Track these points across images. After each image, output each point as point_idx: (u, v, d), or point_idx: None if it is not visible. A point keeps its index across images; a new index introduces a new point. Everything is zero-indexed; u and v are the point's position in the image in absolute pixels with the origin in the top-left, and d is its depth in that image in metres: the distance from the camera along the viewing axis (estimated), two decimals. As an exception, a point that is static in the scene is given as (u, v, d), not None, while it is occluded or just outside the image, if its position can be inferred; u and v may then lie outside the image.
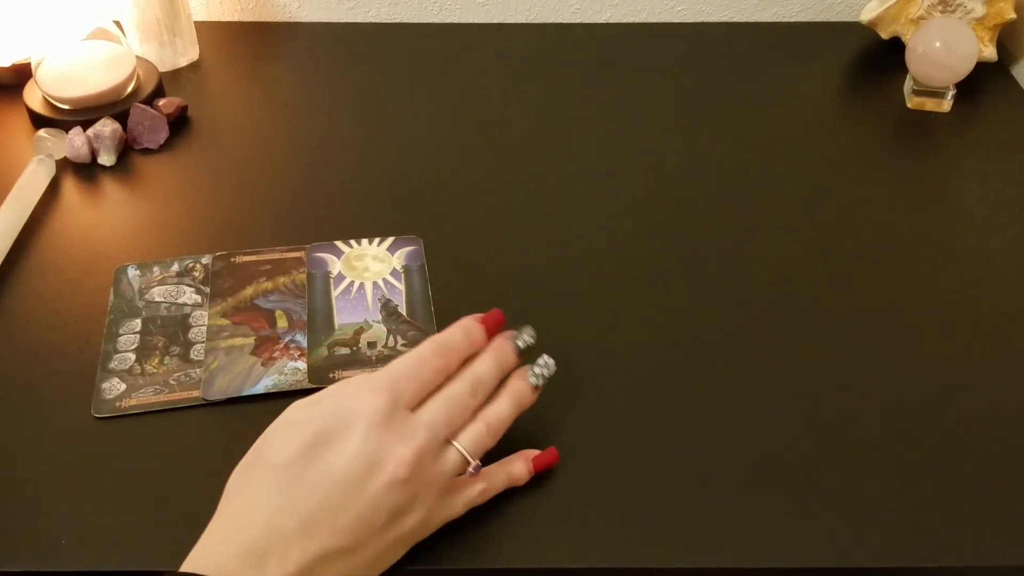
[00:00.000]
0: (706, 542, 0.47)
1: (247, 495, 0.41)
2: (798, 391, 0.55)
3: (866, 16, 0.82)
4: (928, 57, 0.74)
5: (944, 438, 0.53)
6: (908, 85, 0.77)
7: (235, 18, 0.87)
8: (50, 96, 0.72)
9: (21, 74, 0.75)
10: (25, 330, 0.57)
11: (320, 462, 0.41)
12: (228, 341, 0.56)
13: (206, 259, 0.60)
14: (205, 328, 0.57)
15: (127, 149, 0.71)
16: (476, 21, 0.87)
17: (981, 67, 0.78)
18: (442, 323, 0.57)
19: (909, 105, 0.77)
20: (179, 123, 0.74)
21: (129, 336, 0.56)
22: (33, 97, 0.73)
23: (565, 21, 0.88)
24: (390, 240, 0.62)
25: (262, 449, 0.43)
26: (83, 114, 0.71)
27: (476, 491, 0.47)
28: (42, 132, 0.69)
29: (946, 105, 0.76)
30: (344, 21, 0.88)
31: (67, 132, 0.69)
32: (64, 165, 0.70)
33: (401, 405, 0.43)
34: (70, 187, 0.68)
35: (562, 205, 0.67)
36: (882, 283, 0.62)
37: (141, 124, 0.71)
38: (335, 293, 0.58)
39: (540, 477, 0.50)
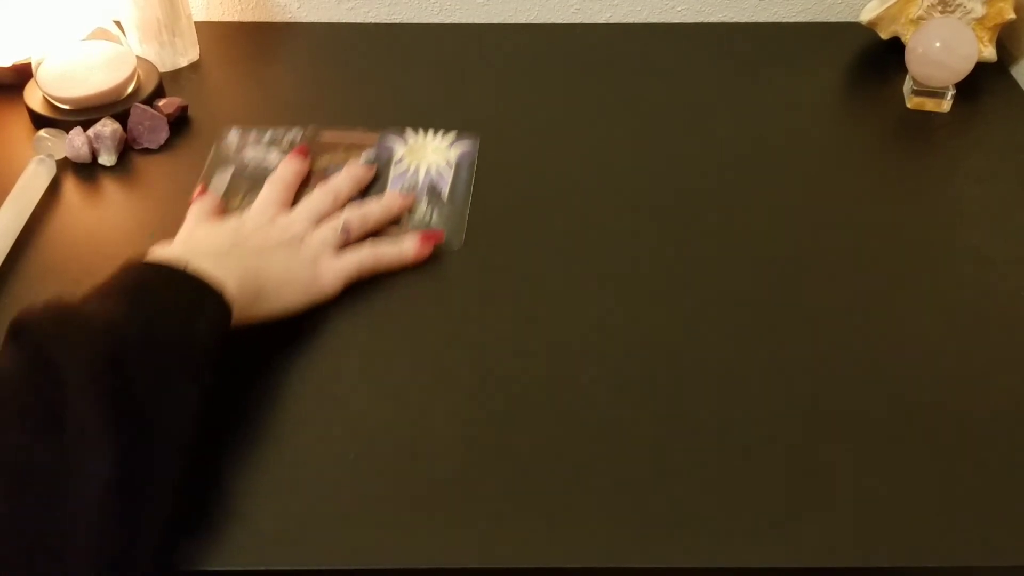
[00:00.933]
0: (705, 542, 0.48)
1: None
2: (798, 391, 0.55)
3: (866, 16, 0.82)
4: (928, 57, 0.74)
5: (943, 438, 0.53)
6: (908, 85, 0.77)
7: (235, 18, 0.87)
8: (50, 96, 0.72)
9: (21, 74, 0.75)
10: (25, 330, 0.57)
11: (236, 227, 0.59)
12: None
13: (294, 133, 0.72)
14: None
15: (127, 149, 0.71)
16: (476, 21, 0.87)
17: (981, 67, 0.78)
18: (474, 208, 0.67)
19: (909, 105, 0.77)
20: (179, 123, 0.74)
21: (221, 178, 0.68)
22: (33, 97, 0.73)
23: (565, 21, 0.88)
24: (453, 134, 0.72)
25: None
26: (83, 114, 0.71)
27: (364, 252, 0.60)
28: (42, 132, 0.69)
29: (946, 105, 0.77)
30: (344, 21, 0.88)
31: (67, 132, 0.69)
32: (64, 165, 0.70)
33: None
34: (70, 187, 0.68)
35: (561, 206, 0.67)
36: (881, 283, 0.62)
37: (141, 124, 0.71)
38: (394, 171, 0.69)
39: (540, 477, 0.50)
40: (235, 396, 0.53)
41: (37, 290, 0.60)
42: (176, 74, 0.80)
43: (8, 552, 0.38)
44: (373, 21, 0.88)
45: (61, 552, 0.39)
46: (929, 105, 0.77)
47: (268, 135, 0.71)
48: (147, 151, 0.71)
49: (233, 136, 0.72)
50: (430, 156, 0.69)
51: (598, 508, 0.49)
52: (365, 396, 0.54)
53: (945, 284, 0.62)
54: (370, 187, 0.67)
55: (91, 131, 0.69)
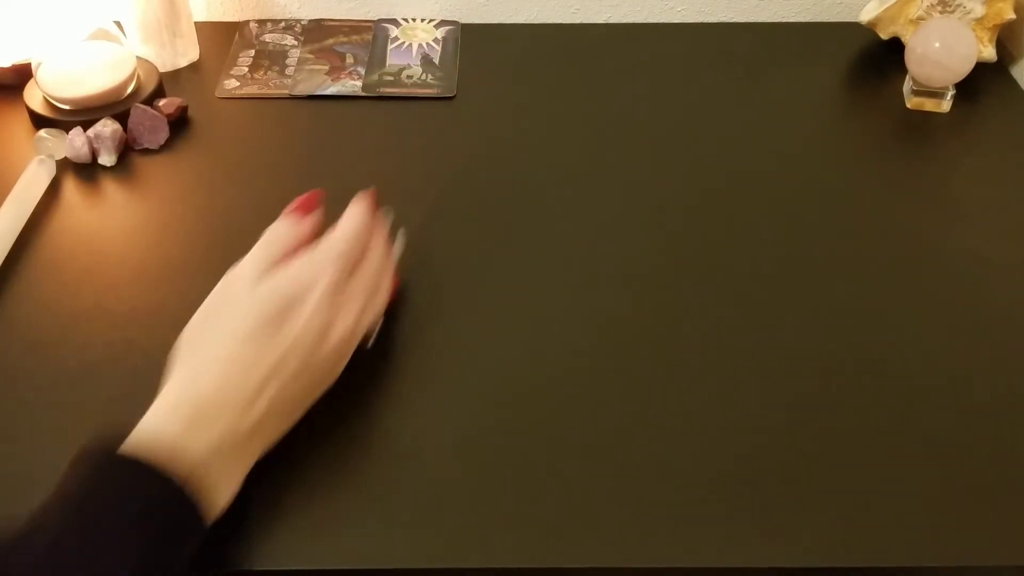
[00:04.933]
0: (705, 542, 0.48)
1: (205, 352, 0.47)
2: (796, 391, 0.55)
3: (865, 17, 0.82)
4: (927, 57, 0.74)
5: (942, 438, 0.53)
6: (907, 85, 0.77)
7: (235, 18, 0.87)
8: (51, 96, 0.72)
9: (21, 74, 0.75)
10: (25, 330, 0.58)
11: (285, 325, 0.48)
12: (311, 67, 0.80)
13: (305, 21, 0.86)
14: (297, 58, 0.81)
15: (127, 149, 0.71)
16: (476, 21, 0.87)
17: (980, 67, 0.78)
18: (461, 73, 0.80)
19: (908, 105, 0.77)
20: (179, 123, 0.74)
21: (246, 58, 0.81)
22: (34, 97, 0.73)
23: (565, 21, 0.88)
24: (437, 20, 0.87)
25: (222, 314, 0.49)
26: (83, 114, 0.71)
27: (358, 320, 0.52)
28: (43, 132, 0.69)
29: (945, 105, 0.77)
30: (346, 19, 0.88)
31: (67, 132, 0.69)
32: (64, 165, 0.70)
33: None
34: (71, 187, 0.68)
35: (560, 206, 0.67)
36: (880, 283, 0.62)
37: (141, 124, 0.71)
38: (391, 46, 0.83)
39: (541, 477, 0.50)
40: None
41: (37, 290, 0.60)
42: (176, 74, 0.80)
43: None
44: (374, 19, 0.88)
45: None
46: (929, 105, 0.77)
47: (283, 23, 0.86)
48: (147, 151, 0.71)
49: (253, 25, 0.86)
50: (420, 34, 0.85)
51: (598, 508, 0.49)
52: (363, 391, 0.54)
53: (943, 284, 0.62)
54: (372, 62, 0.81)
55: (91, 131, 0.69)
